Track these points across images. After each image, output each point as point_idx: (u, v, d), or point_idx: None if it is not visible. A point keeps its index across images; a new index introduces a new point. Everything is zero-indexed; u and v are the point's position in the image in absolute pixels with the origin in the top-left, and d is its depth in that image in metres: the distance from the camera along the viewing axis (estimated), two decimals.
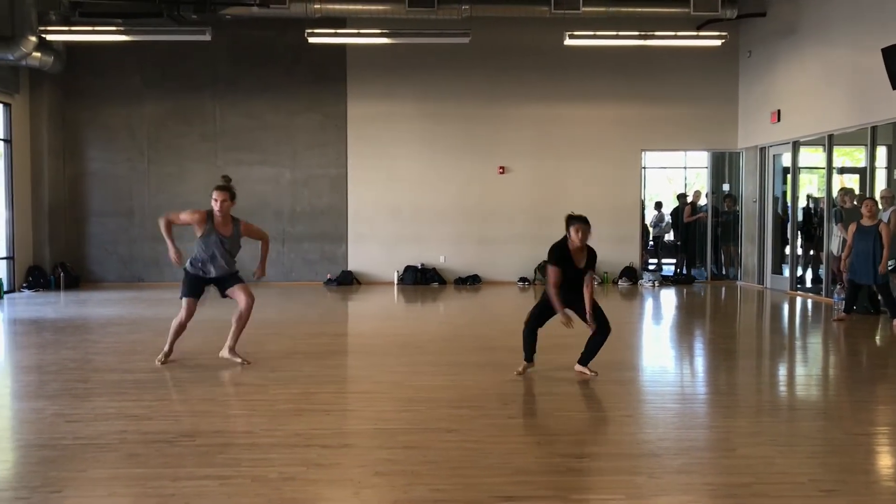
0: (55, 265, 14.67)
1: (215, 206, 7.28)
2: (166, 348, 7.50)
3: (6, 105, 13.78)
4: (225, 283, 7.47)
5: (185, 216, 7.44)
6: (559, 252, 6.68)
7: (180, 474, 4.37)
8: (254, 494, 4.08)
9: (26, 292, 13.88)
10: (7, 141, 13.87)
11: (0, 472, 4.62)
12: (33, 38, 13.02)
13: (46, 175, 14.62)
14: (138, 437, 5.05)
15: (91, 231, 15.37)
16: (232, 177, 16.16)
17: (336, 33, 13.48)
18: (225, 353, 7.48)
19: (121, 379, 6.80)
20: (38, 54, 13.38)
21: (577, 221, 6.62)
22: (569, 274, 6.70)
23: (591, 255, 6.80)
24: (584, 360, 6.90)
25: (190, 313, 7.40)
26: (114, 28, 13.11)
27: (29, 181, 14.45)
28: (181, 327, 7.46)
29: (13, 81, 13.76)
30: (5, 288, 13.44)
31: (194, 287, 7.41)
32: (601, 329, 6.78)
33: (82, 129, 15.28)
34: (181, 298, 7.40)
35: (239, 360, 7.41)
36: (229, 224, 7.38)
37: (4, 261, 13.87)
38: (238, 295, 7.40)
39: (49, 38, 13.24)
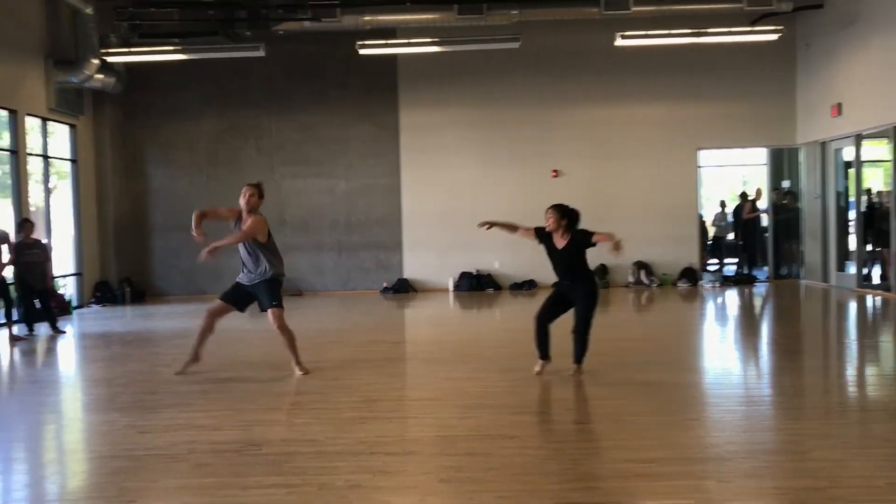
0: (121, 280, 15.08)
1: (241, 201, 7.31)
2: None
3: (72, 126, 14.24)
4: (258, 293, 7.47)
5: (221, 210, 7.53)
6: (541, 231, 7.35)
7: (248, 483, 4.45)
8: (321, 503, 4.13)
9: (94, 307, 14.30)
10: (73, 161, 14.32)
11: (76, 483, 4.78)
12: (95, 61, 13.44)
13: (111, 193, 15.05)
14: (207, 447, 5.15)
15: (155, 246, 15.76)
16: (288, 189, 16.51)
17: (386, 44, 13.60)
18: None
19: (188, 390, 6.95)
20: (100, 76, 13.80)
21: (549, 208, 7.24)
22: (553, 255, 7.26)
23: (573, 237, 7.18)
24: (577, 357, 6.98)
25: (210, 314, 7.46)
26: (171, 48, 13.47)
27: (94, 199, 14.90)
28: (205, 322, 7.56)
29: (77, 104, 14.21)
30: (75, 303, 13.87)
31: (229, 291, 7.50)
32: (577, 328, 7.03)
33: (143, 147, 15.70)
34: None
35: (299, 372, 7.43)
36: (247, 219, 7.34)
37: (73, 277, 14.31)
38: (271, 321, 7.40)
39: (110, 59, 13.65)
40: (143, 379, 7.59)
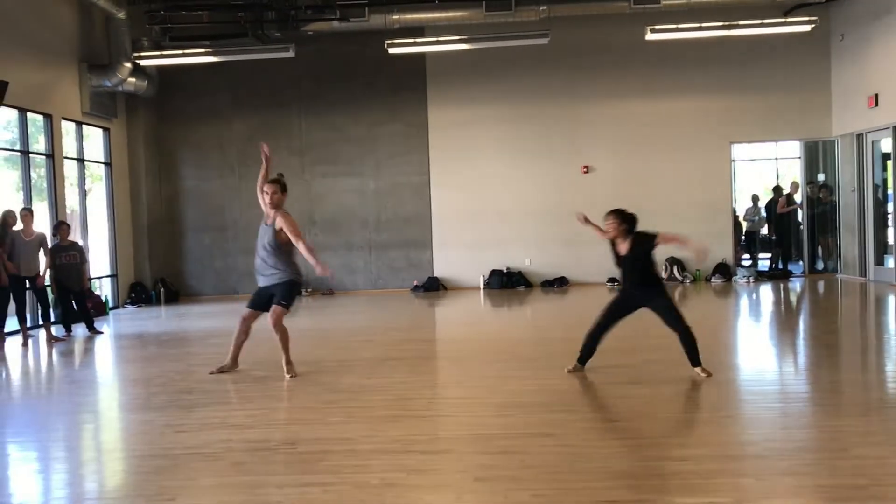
0: (156, 281, 15.27)
1: (266, 200, 7.33)
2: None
3: (105, 130, 14.45)
4: (275, 291, 7.33)
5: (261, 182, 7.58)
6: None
7: (285, 482, 4.48)
8: (357, 501, 4.15)
9: (130, 308, 14.49)
10: (107, 164, 14.53)
11: (115, 481, 4.84)
12: (128, 65, 13.63)
13: (144, 195, 15.25)
14: (243, 446, 5.19)
15: (188, 247, 15.94)
16: (318, 189, 16.60)
17: (415, 42, 13.62)
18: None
19: (223, 389, 7.02)
20: (132, 79, 13.99)
21: (608, 214, 7.07)
22: (618, 262, 7.03)
23: (634, 241, 6.87)
24: (694, 361, 6.71)
25: (244, 320, 7.50)
26: (202, 50, 13.61)
27: (128, 201, 15.10)
28: (240, 327, 7.58)
29: (111, 107, 14.41)
30: (110, 304, 14.07)
31: (254, 299, 7.50)
32: (676, 329, 6.69)
33: (176, 149, 15.88)
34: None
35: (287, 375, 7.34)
36: (271, 216, 7.33)
37: (109, 278, 14.52)
38: (270, 315, 7.32)
39: (142, 63, 13.83)
40: (178, 378, 7.67)
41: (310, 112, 15.65)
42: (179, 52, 13.65)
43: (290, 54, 13.13)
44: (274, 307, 7.28)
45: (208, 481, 4.59)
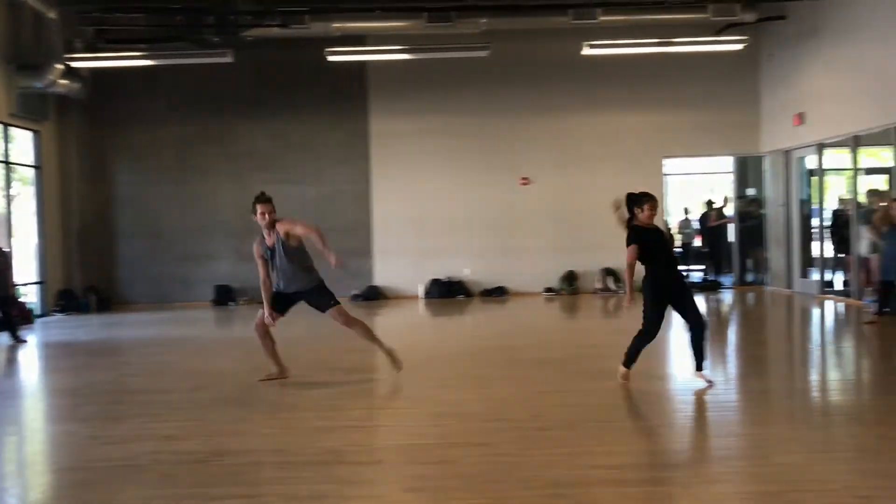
0: (86, 288, 14.86)
1: (261, 221, 7.23)
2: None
3: (35, 132, 14.03)
4: (312, 298, 7.40)
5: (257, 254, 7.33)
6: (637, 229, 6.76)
7: (213, 494, 4.41)
8: None
9: (58, 316, 14.07)
10: (37, 167, 14.11)
11: (35, 496, 4.70)
12: (60, 66, 13.26)
13: (76, 200, 14.84)
14: (171, 458, 5.10)
15: (121, 253, 15.57)
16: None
17: (356, 51, 13.60)
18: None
19: (153, 400, 6.87)
20: (64, 81, 13.61)
21: (648, 196, 6.79)
22: (660, 248, 6.78)
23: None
24: (699, 364, 6.77)
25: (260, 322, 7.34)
26: (138, 53, 13.34)
27: (59, 206, 14.67)
28: (261, 337, 7.39)
29: (41, 109, 14.01)
30: (37, 312, 13.64)
31: (275, 301, 7.36)
32: (697, 324, 6.71)
33: (110, 154, 15.52)
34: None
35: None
36: (272, 234, 7.26)
37: (36, 285, 14.07)
38: (336, 318, 7.38)
39: (75, 65, 13.48)
40: (107, 389, 7.50)
41: (249, 118, 15.47)
42: (114, 54, 13.37)
43: (229, 59, 12.97)
44: (330, 312, 7.33)
45: (133, 494, 4.49)
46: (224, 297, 15.20)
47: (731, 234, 16.47)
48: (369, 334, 7.50)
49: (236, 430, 5.80)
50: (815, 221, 14.47)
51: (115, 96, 15.30)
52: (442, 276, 15.52)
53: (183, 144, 15.52)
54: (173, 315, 13.67)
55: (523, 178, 15.57)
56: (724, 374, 7.89)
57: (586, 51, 13.09)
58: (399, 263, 15.60)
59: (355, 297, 15.35)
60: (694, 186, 18.86)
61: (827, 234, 14.09)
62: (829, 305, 12.83)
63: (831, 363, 8.43)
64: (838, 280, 14.23)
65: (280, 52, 15.03)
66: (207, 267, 15.55)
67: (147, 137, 15.51)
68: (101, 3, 13.21)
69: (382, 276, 15.66)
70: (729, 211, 16.61)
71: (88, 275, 15.05)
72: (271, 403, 6.64)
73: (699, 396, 6.58)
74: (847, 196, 13.76)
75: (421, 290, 15.49)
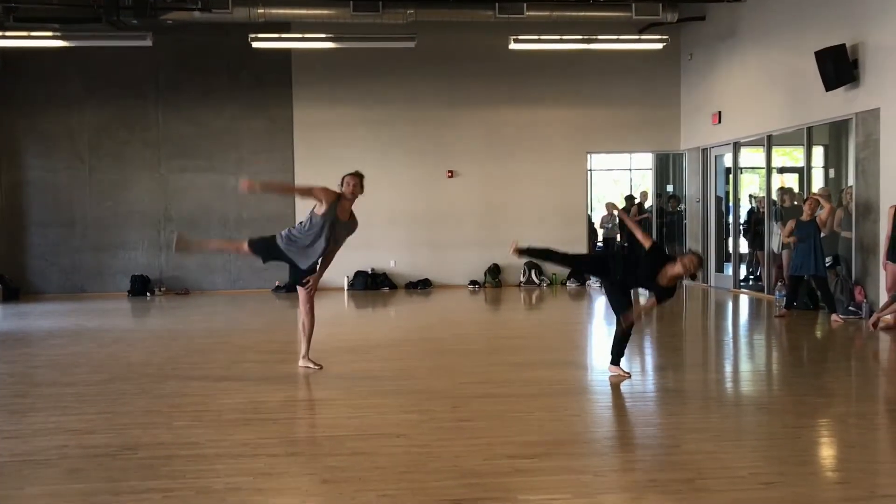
0: None
1: (346, 189, 7.16)
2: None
3: None
4: (311, 273, 7.38)
5: (319, 190, 7.17)
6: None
7: (122, 488, 4.28)
8: None
9: None
10: None
11: None
12: None
13: None
14: (79, 452, 4.93)
15: (31, 241, 14.97)
16: (176, 184, 16.02)
17: (280, 37, 13.37)
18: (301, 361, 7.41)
19: (61, 392, 6.62)
20: None
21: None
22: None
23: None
24: (616, 358, 7.01)
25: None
26: (50, 34, 12.80)
27: None
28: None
29: None
30: None
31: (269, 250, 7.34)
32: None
33: (19, 137, 14.89)
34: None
35: (313, 366, 7.36)
36: (348, 212, 7.24)
37: None
38: (305, 300, 7.45)
39: None
40: (12, 381, 7.20)
41: (168, 104, 15.05)
42: (24, 34, 12.79)
43: (148, 43, 12.58)
44: (308, 291, 7.46)
45: (38, 490, 4.33)
46: (141, 287, 14.78)
47: (651, 229, 16.84)
48: (310, 331, 7.46)
49: (148, 422, 5.65)
50: (730, 218, 14.94)
51: (26, 78, 14.68)
52: (367, 267, 15.44)
53: (98, 130, 15.00)
54: (87, 306, 13.21)
55: (449, 171, 15.61)
56: (641, 366, 8.07)
57: (513, 45, 13.19)
58: None
59: (277, 289, 15.14)
60: (618, 182, 19.22)
61: (742, 230, 14.57)
62: (743, 299, 13.27)
63: (743, 355, 8.72)
64: (752, 275, 14.74)
65: (202, 36, 14.66)
66: (123, 257, 15.09)
67: (60, 122, 14.93)
68: None
69: None
70: (647, 206, 16.98)
71: None
72: (185, 396, 6.49)
73: (616, 387, 6.72)
74: (760, 194, 14.25)
75: (345, 282, 15.38)
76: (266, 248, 7.38)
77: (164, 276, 15.12)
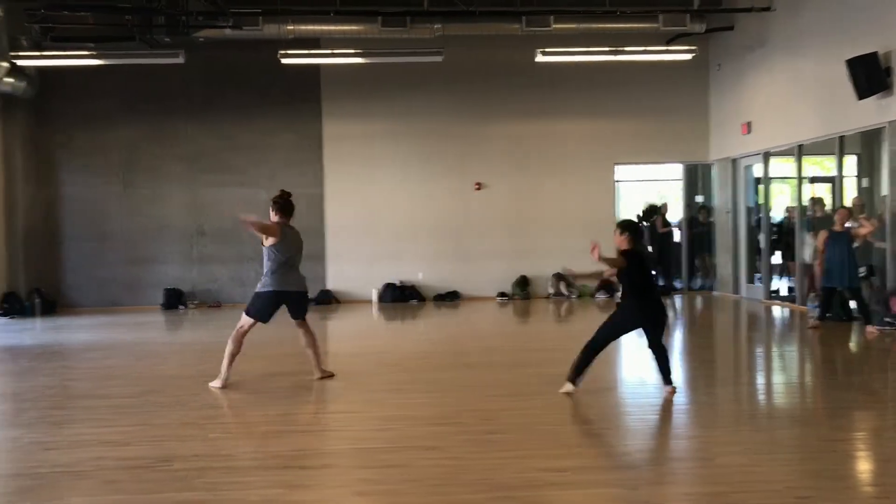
0: (31, 291, 14.51)
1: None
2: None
3: None
4: (300, 306, 7.46)
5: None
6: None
7: (158, 500, 4.35)
8: None
9: (1, 319, 13.70)
10: None
11: None
12: (5, 64, 12.96)
13: (21, 201, 14.49)
14: (116, 464, 5.01)
15: (67, 256, 15.23)
16: (208, 199, 16.20)
17: (309, 54, 13.51)
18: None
19: (98, 405, 6.74)
20: (10, 80, 13.30)
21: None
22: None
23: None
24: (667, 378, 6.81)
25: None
26: (86, 52, 13.07)
27: (2, 207, 14.29)
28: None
29: None
30: None
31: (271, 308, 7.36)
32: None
33: (56, 154, 15.18)
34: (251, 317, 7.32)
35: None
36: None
37: None
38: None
39: (21, 63, 13.18)
40: (51, 394, 7.33)
41: (200, 119, 15.27)
42: (61, 53, 13.07)
43: (180, 60, 12.78)
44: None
45: (76, 501, 4.41)
46: (174, 300, 14.96)
47: (678, 239, 16.75)
48: (231, 358, 7.31)
49: (183, 434, 5.72)
50: (761, 228, 14.80)
51: (62, 96, 14.98)
52: (395, 280, 15.50)
53: (131, 145, 15.25)
54: (121, 319, 13.41)
55: (477, 183, 15.65)
56: (673, 378, 8.01)
57: (539, 58, 13.22)
58: (352, 267, 15.54)
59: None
60: (646, 193, 19.10)
61: (774, 240, 14.42)
62: (775, 311, 13.13)
63: (776, 367, 8.63)
64: (784, 286, 14.58)
65: (233, 53, 14.88)
66: (156, 270, 15.29)
67: (95, 138, 15.21)
68: (47, 0, 12.91)
69: (335, 280, 15.58)
70: (672, 217, 16.86)
71: (33, 277, 14.69)
72: (218, 408, 6.57)
73: (648, 400, 6.68)
74: (792, 204, 14.11)
75: (374, 295, 15.45)
76: (266, 306, 7.36)
77: (196, 289, 15.29)
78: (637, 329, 6.81)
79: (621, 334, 6.94)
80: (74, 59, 13.12)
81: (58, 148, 15.16)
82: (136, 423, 6.08)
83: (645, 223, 17.14)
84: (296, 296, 7.40)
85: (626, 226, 7.06)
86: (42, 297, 14.51)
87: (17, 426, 6.11)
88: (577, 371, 6.69)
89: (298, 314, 7.46)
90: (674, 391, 6.68)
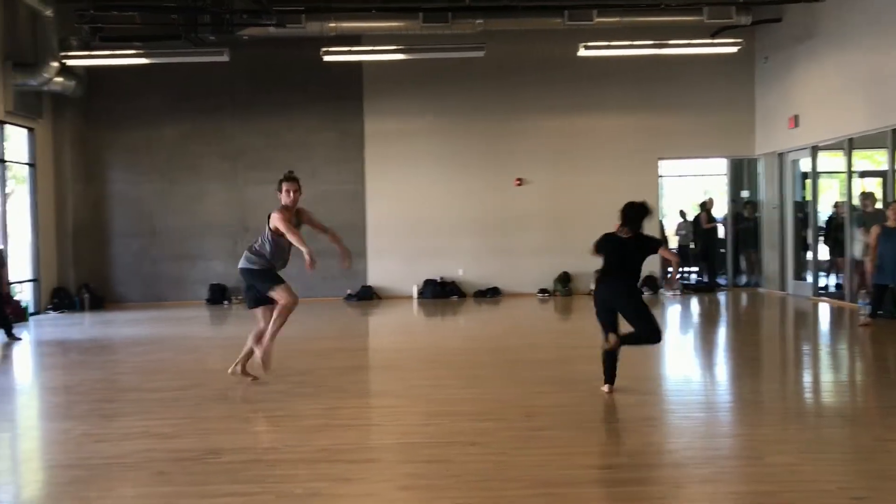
0: (80, 286, 14.83)
1: (287, 199, 7.14)
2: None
3: (30, 130, 14.00)
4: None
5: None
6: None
7: (206, 492, 4.41)
8: None
9: (52, 314, 14.04)
10: (31, 165, 14.08)
11: (30, 493, 4.69)
12: (55, 64, 13.25)
13: (70, 198, 14.81)
14: (165, 456, 5.09)
15: (114, 252, 15.54)
16: (251, 196, 16.37)
17: (351, 51, 13.58)
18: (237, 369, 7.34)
19: (147, 398, 6.86)
20: (59, 79, 13.60)
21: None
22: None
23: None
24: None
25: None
26: (133, 51, 13.31)
27: (53, 204, 14.64)
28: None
29: (36, 107, 13.98)
30: (31, 310, 13.60)
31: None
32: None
33: (104, 152, 15.49)
34: (275, 287, 7.12)
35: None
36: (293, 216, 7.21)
37: (30, 283, 14.04)
38: (281, 294, 7.09)
39: (70, 63, 13.46)
40: (101, 387, 7.48)
41: (244, 117, 15.45)
42: (109, 52, 13.33)
43: (225, 58, 12.96)
44: (287, 296, 7.25)
45: (127, 492, 4.49)
46: (218, 296, 15.18)
47: (722, 235, 16.51)
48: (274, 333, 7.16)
49: (230, 427, 5.80)
50: (808, 223, 14.51)
51: (109, 94, 15.27)
52: (435, 276, 15.52)
53: (177, 143, 15.50)
54: (167, 314, 13.65)
55: (518, 179, 15.59)
56: (717, 376, 7.91)
57: (582, 52, 13.11)
58: (393, 264, 15.60)
59: (349, 297, 15.36)
60: (690, 188, 18.87)
61: (821, 236, 14.13)
62: (824, 308, 12.87)
63: (825, 365, 8.45)
64: (832, 282, 14.29)
65: (275, 51, 15.02)
66: (201, 266, 15.53)
67: (141, 136, 15.48)
68: (96, 0, 13.16)
69: (376, 276, 15.66)
70: (717, 213, 16.62)
71: (82, 273, 15.01)
72: (264, 402, 6.64)
73: (693, 398, 6.60)
74: (840, 199, 13.81)
75: (414, 291, 15.49)
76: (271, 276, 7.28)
77: (240, 284, 15.45)
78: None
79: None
80: (122, 59, 13.38)
81: (105, 146, 15.45)
82: (183, 415, 6.17)
83: (684, 219, 16.97)
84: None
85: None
86: (90, 293, 14.83)
87: (69, 418, 6.25)
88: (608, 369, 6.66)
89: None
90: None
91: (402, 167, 15.57)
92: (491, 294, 15.43)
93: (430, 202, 15.55)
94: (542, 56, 15.27)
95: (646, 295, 15.12)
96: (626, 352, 6.72)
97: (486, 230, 15.61)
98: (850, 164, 12.81)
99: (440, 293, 15.33)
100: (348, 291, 15.45)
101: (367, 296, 15.34)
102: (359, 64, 15.11)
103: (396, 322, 12.66)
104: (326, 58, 13.25)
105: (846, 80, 12.50)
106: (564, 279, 15.37)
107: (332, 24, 13.29)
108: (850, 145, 12.60)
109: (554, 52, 15.02)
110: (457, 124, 15.52)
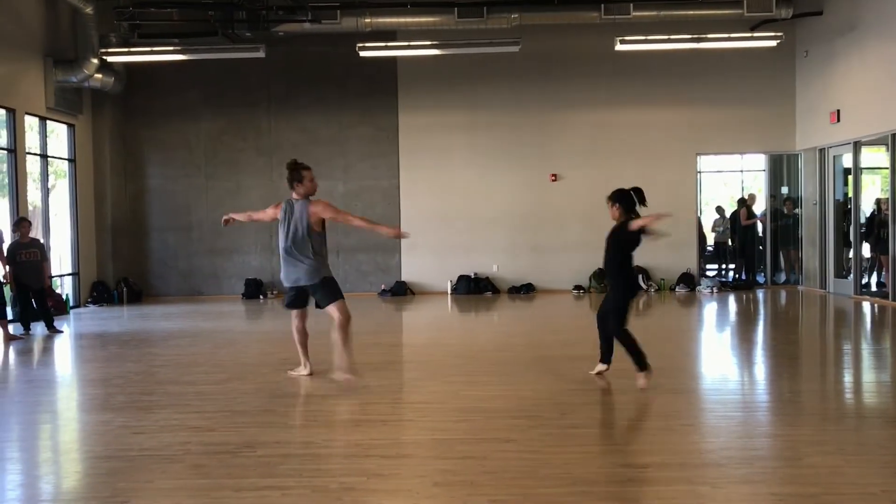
0: (118, 280, 15.06)
1: (312, 187, 7.31)
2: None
3: (70, 126, 14.24)
4: (315, 290, 6.93)
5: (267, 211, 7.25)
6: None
7: (243, 485, 4.44)
8: None
9: (91, 307, 14.28)
10: (72, 161, 14.32)
11: (70, 483, 4.76)
12: (95, 61, 13.45)
13: (109, 193, 15.05)
14: (202, 449, 5.14)
15: (152, 246, 15.75)
16: (286, 191, 16.43)
17: (386, 46, 13.61)
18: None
19: (183, 391, 6.94)
20: (99, 76, 13.81)
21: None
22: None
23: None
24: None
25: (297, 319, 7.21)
26: (171, 48, 13.47)
27: (92, 199, 14.89)
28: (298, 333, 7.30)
29: (76, 103, 14.21)
30: (71, 303, 13.85)
31: (290, 298, 7.12)
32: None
33: (142, 147, 15.70)
34: (334, 303, 6.88)
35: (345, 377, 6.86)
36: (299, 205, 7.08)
37: (70, 277, 14.29)
38: (331, 311, 6.86)
39: (110, 59, 13.66)
40: (138, 379, 7.58)
41: (279, 113, 15.57)
42: (148, 49, 13.51)
43: (261, 54, 13.06)
44: (336, 315, 6.83)
45: (165, 484, 4.54)
46: (254, 290, 15.33)
47: (761, 232, 16.28)
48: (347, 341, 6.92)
49: (265, 421, 5.84)
50: (850, 220, 14.24)
51: (148, 91, 15.47)
52: (469, 272, 15.50)
53: (213, 138, 15.66)
54: (204, 308, 13.80)
55: (552, 175, 15.50)
56: (755, 375, 7.79)
57: (619, 46, 12.99)
58: (427, 259, 15.61)
59: (383, 293, 15.41)
60: (728, 184, 18.62)
61: (863, 233, 13.86)
62: (865, 306, 12.61)
63: (867, 364, 8.28)
64: (874, 281, 14.00)
65: (311, 47, 15.11)
66: (238, 261, 15.69)
67: (179, 131, 15.67)
68: None
69: (410, 271, 15.68)
70: (758, 209, 16.39)
71: (120, 267, 15.25)
72: (299, 396, 6.68)
73: (730, 397, 6.50)
74: (883, 195, 13.52)
75: (448, 286, 15.49)
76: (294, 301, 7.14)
77: (276, 279, 15.57)
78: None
79: (626, 313, 6.74)
80: (160, 55, 13.54)
81: (144, 142, 15.67)
82: (219, 409, 6.23)
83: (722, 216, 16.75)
84: None
85: (617, 196, 6.89)
86: (129, 286, 15.06)
87: (108, 410, 6.34)
88: (636, 358, 6.59)
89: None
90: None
91: (436, 162, 15.57)
92: (525, 290, 15.37)
93: (464, 197, 15.53)
94: (578, 50, 15.16)
95: (683, 292, 14.96)
96: (662, 348, 6.64)
97: (521, 226, 15.54)
98: (893, 160, 12.53)
99: (474, 289, 15.31)
100: (382, 287, 15.50)
101: (401, 291, 15.37)
102: (394, 59, 15.13)
103: (430, 318, 12.67)
104: (362, 53, 13.29)
105: (889, 73, 12.23)
106: (599, 276, 15.25)
107: (368, 20, 13.33)
108: (893, 140, 12.33)
109: (590, 46, 14.90)
110: (492, 119, 15.48)
